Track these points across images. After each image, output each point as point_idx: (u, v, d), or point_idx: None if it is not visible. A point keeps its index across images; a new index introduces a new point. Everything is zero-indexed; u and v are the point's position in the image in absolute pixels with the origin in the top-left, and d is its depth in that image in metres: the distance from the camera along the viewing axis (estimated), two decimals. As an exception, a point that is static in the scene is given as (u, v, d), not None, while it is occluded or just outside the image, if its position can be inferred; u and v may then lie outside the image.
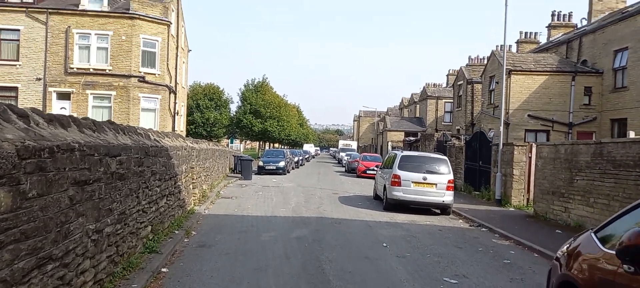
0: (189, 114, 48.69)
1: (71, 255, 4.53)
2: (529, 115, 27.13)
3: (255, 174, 29.33)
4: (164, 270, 6.97)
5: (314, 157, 70.48)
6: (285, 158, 32.33)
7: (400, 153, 15.23)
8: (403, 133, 49.78)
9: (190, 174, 12.99)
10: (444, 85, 53.89)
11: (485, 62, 38.04)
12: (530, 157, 16.27)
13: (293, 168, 37.47)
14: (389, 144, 49.26)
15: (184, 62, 36.98)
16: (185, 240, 9.23)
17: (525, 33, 34.56)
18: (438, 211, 15.17)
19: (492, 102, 29.50)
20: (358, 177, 32.14)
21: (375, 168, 32.33)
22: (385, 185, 15.33)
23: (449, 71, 57.96)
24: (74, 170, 4.54)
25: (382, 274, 7.45)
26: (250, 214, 13.04)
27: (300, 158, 45.48)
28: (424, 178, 14.41)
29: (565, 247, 4.97)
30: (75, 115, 28.86)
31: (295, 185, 23.09)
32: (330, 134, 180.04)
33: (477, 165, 20.11)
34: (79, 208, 4.69)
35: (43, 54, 28.23)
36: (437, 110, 48.64)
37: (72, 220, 4.53)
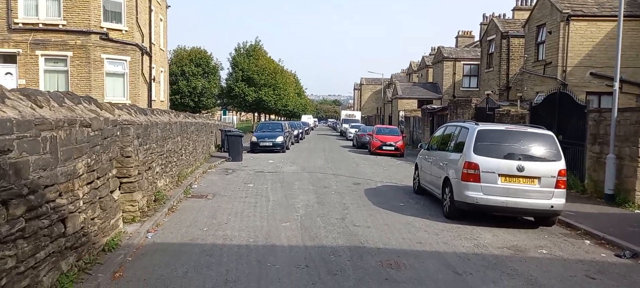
0: (173, 82, 42.65)
1: None
2: (591, 74, 21.38)
3: (248, 152, 23.83)
4: None
5: (312, 129, 64.67)
6: (284, 132, 26.48)
7: (475, 127, 9.29)
8: (416, 101, 43.70)
9: (119, 170, 7.21)
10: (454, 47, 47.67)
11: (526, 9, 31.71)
12: (666, 130, 10.51)
13: (293, 144, 31.64)
14: (401, 113, 43.31)
15: (161, 20, 30.69)
16: None
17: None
18: (531, 219, 9.46)
19: (540, 58, 23.59)
20: (371, 154, 26.45)
21: (393, 144, 26.72)
22: (447, 178, 9.51)
23: (458, 32, 51.44)
24: None
25: None
26: (227, 242, 7.23)
27: (300, 131, 39.61)
28: (520, 169, 8.60)
29: None
30: (23, 82, 23.20)
31: (299, 170, 17.32)
32: (328, 104, 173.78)
33: (554, 141, 14.31)
34: None
35: (-20, 5, 22.28)
36: (454, 73, 42.43)
37: None
